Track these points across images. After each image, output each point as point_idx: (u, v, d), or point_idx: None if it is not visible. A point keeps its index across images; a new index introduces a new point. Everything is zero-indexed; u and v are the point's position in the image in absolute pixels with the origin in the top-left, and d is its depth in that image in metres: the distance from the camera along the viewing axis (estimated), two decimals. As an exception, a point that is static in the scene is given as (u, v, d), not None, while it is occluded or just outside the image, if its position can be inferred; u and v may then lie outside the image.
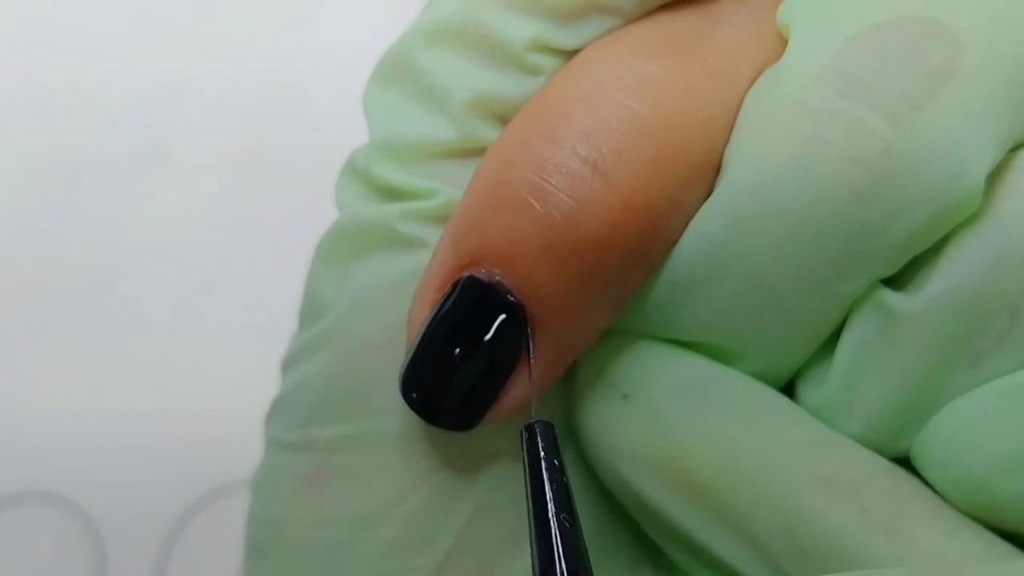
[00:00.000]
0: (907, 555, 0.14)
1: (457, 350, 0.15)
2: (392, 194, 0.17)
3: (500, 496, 0.16)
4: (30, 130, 0.38)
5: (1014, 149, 0.15)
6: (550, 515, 0.14)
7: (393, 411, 0.16)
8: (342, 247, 0.17)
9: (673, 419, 0.15)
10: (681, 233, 0.15)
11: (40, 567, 0.33)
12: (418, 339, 0.15)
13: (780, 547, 0.15)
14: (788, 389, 0.16)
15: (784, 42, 0.15)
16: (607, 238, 0.14)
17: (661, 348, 0.16)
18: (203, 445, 0.34)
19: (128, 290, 0.36)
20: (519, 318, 0.15)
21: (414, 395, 0.15)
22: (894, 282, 0.15)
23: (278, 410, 0.17)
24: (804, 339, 0.15)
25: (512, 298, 0.15)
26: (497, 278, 0.15)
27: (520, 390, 0.15)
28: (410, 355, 0.15)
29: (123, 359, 0.35)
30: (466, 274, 0.15)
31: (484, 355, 0.15)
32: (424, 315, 0.15)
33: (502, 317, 0.15)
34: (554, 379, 0.16)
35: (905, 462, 0.15)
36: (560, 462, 0.14)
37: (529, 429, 0.15)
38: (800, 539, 0.14)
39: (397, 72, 0.17)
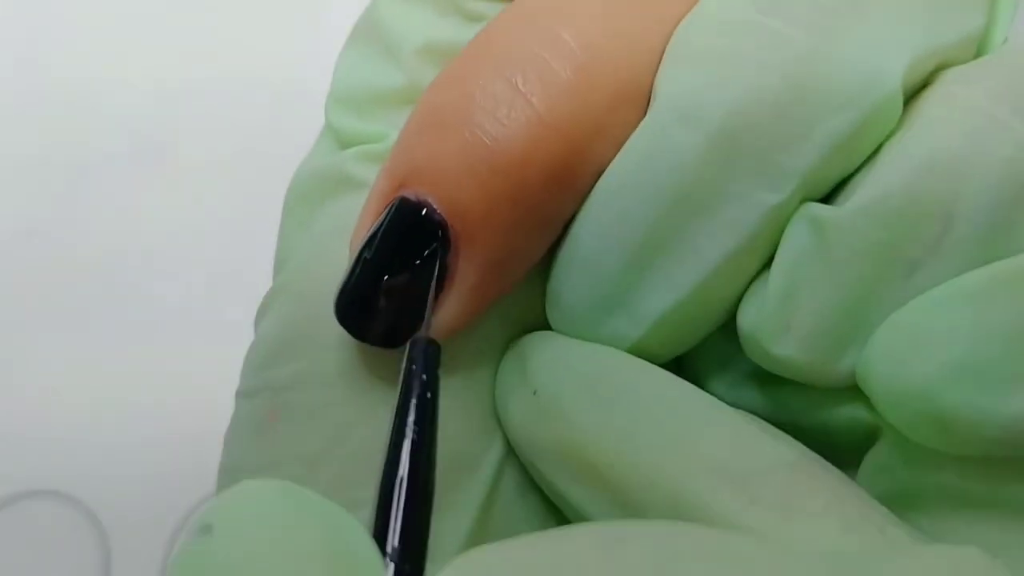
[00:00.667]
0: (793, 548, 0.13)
1: (387, 269, 0.15)
2: (351, 143, 0.18)
3: (441, 430, 0.16)
4: (35, 130, 0.39)
5: (940, 68, 0.15)
6: (407, 426, 0.14)
7: (339, 347, 0.16)
8: (301, 199, 0.18)
9: (574, 412, 0.15)
10: (610, 160, 0.15)
11: (45, 564, 0.33)
12: (352, 260, 0.15)
13: None
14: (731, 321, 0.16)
15: None
16: (528, 157, 0.15)
17: (569, 341, 0.16)
18: (208, 443, 0.34)
19: (133, 289, 0.36)
20: (444, 236, 0.15)
21: (347, 314, 0.15)
22: (828, 202, 0.15)
23: (245, 364, 0.18)
24: (738, 255, 0.15)
25: (438, 216, 0.15)
26: (424, 198, 0.15)
27: (450, 312, 0.15)
28: (345, 276, 0.16)
29: (128, 357, 0.35)
30: (398, 196, 0.15)
31: (412, 274, 0.15)
32: (362, 238, 0.16)
33: (428, 236, 0.15)
34: (482, 304, 0.16)
35: (854, 389, 0.15)
36: (432, 381, 0.15)
37: (414, 344, 0.15)
38: None
39: (362, 30, 0.18)
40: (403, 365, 0.15)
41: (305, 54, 0.39)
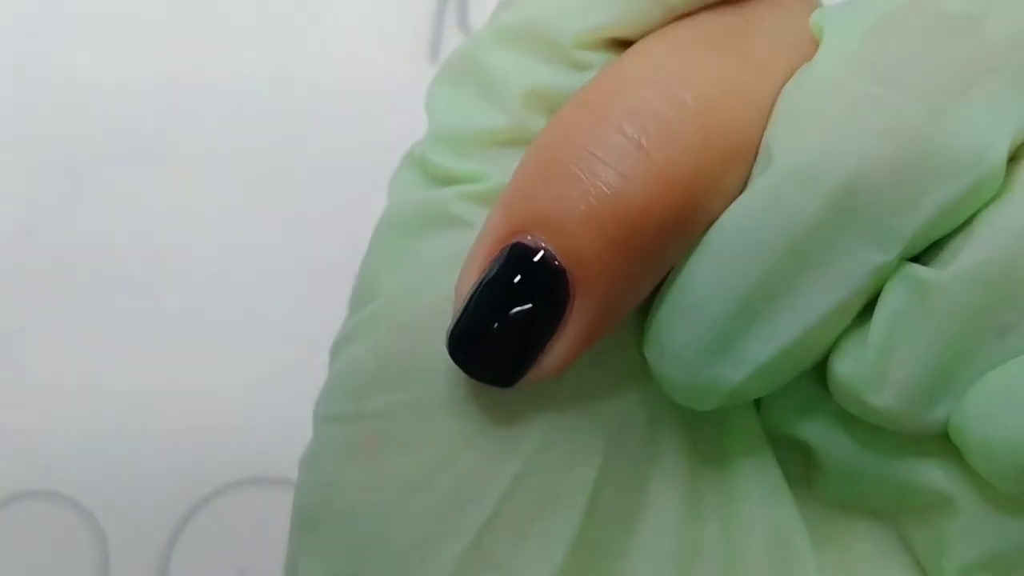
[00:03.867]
0: None
1: (502, 311, 0.16)
2: (447, 180, 0.18)
3: (540, 463, 0.17)
4: (34, 129, 0.38)
5: None
6: None
7: (443, 378, 0.17)
8: (394, 232, 0.19)
9: None
10: (720, 213, 0.16)
11: (43, 565, 0.33)
12: (466, 300, 0.16)
13: None
14: (820, 370, 0.17)
15: (817, 45, 0.17)
16: (647, 209, 0.15)
17: None
18: (207, 443, 0.34)
19: (132, 288, 0.36)
20: (562, 283, 0.16)
21: (460, 352, 0.16)
22: (922, 261, 0.16)
23: (329, 390, 0.18)
24: (841, 308, 0.16)
25: (556, 263, 0.16)
26: (543, 244, 0.16)
27: (559, 353, 0.16)
28: (458, 314, 0.16)
29: (126, 356, 0.35)
30: (514, 240, 0.16)
31: (527, 317, 0.16)
32: (473, 280, 0.16)
33: (545, 281, 0.16)
34: (589, 344, 0.16)
35: (944, 439, 0.16)
36: None
37: None
38: None
39: (461, 70, 0.19)
40: None
41: (305, 54, 0.39)
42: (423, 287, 0.17)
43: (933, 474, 0.17)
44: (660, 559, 0.18)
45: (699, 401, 0.17)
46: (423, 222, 0.18)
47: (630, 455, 0.18)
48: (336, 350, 0.19)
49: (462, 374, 0.16)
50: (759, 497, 0.18)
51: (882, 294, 0.16)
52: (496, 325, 0.16)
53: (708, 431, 0.19)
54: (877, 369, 0.16)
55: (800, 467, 0.19)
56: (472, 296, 0.16)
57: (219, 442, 0.34)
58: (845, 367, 0.16)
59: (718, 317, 0.16)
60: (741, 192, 0.16)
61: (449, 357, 0.16)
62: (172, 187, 0.37)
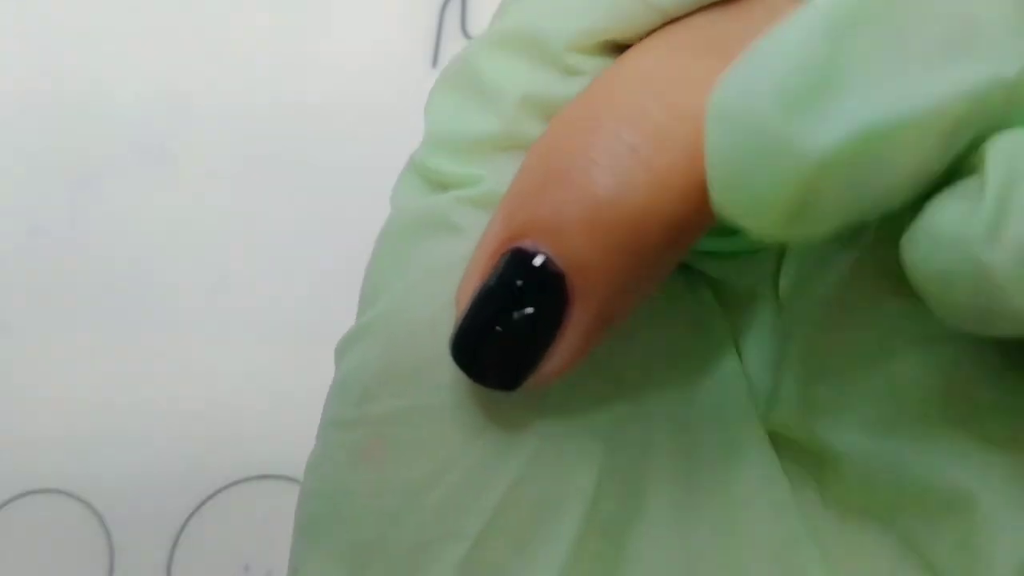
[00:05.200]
0: None
1: (504, 315, 0.16)
2: (443, 184, 0.18)
3: (539, 468, 0.17)
4: (39, 133, 0.38)
5: None
6: None
7: (444, 384, 0.17)
8: (395, 238, 0.19)
9: None
10: (715, 220, 0.15)
11: (49, 563, 0.33)
12: (469, 305, 0.16)
13: None
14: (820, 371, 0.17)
15: None
16: (645, 215, 0.15)
17: None
18: (211, 442, 0.35)
19: (137, 290, 0.36)
20: (561, 288, 0.16)
21: (463, 356, 0.16)
22: None
23: (334, 394, 0.18)
24: (952, 114, 0.13)
25: (556, 268, 0.16)
26: (543, 250, 0.16)
27: (560, 357, 0.16)
28: (461, 319, 0.16)
29: (132, 357, 0.35)
30: (514, 246, 0.16)
31: (528, 321, 0.16)
32: (475, 285, 0.16)
33: (546, 286, 0.16)
34: (589, 349, 0.16)
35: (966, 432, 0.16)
36: None
37: None
38: None
39: (458, 77, 0.19)
40: None
41: (307, 60, 0.39)
42: (424, 293, 0.18)
43: (953, 471, 0.16)
44: (658, 570, 0.17)
45: (761, 203, 0.13)
46: (421, 227, 0.18)
47: (628, 462, 0.18)
48: (339, 355, 0.19)
49: (463, 379, 0.17)
50: (762, 507, 0.18)
51: (997, 140, 0.13)
52: (498, 329, 0.16)
53: (708, 437, 0.19)
54: (992, 219, 0.13)
55: (810, 474, 0.18)
56: (474, 301, 0.16)
57: (223, 441, 0.35)
58: (951, 216, 0.13)
59: (816, 52, 0.12)
60: None
61: (450, 362, 0.16)
62: (176, 192, 0.37)
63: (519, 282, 0.16)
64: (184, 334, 0.36)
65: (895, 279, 0.15)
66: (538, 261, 0.16)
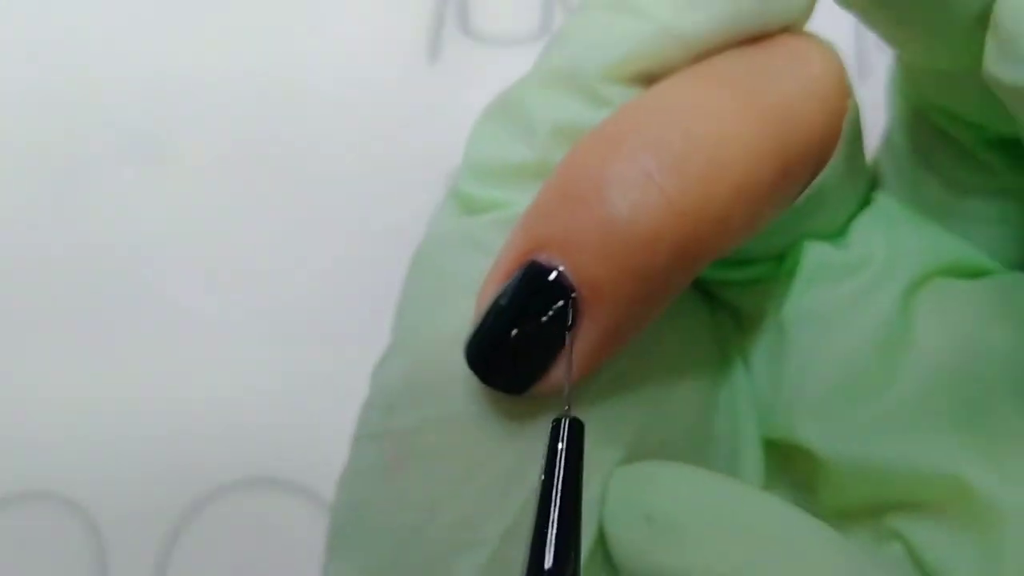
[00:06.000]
0: None
1: (517, 323, 0.17)
2: (477, 208, 0.20)
3: None
4: (30, 127, 0.38)
5: None
6: (551, 509, 0.15)
7: (466, 398, 0.18)
8: (426, 258, 0.20)
9: (691, 542, 0.16)
10: (726, 249, 0.17)
11: (41, 565, 0.33)
12: (485, 310, 0.17)
13: None
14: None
15: (833, 92, 0.18)
16: (656, 238, 0.16)
17: (692, 470, 0.18)
18: (204, 442, 0.34)
19: (129, 288, 0.36)
20: (573, 301, 0.17)
21: (476, 359, 0.17)
22: None
23: (363, 409, 0.19)
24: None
25: (569, 283, 0.17)
26: (557, 265, 0.17)
27: (568, 367, 0.17)
28: (477, 323, 0.17)
29: (124, 356, 0.35)
30: (531, 259, 0.17)
31: (538, 331, 0.17)
32: (492, 292, 0.17)
33: (558, 299, 0.17)
34: (596, 364, 0.17)
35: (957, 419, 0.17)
36: (578, 460, 0.16)
37: (557, 423, 0.16)
38: None
39: (502, 108, 0.20)
40: (547, 441, 0.16)
41: (305, 54, 0.39)
42: (447, 308, 0.19)
43: (947, 454, 0.17)
44: None
45: None
46: (451, 247, 0.19)
47: None
48: (374, 373, 0.20)
49: (482, 389, 0.17)
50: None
51: None
52: (511, 335, 0.17)
53: (722, 448, 0.20)
54: None
55: (804, 476, 0.19)
56: (490, 307, 0.17)
57: (217, 443, 0.34)
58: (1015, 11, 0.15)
59: None
60: (750, 225, 0.17)
61: (468, 371, 0.17)
62: (173, 188, 0.37)
63: (533, 292, 0.17)
64: (176, 333, 0.35)
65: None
66: (552, 275, 0.17)
